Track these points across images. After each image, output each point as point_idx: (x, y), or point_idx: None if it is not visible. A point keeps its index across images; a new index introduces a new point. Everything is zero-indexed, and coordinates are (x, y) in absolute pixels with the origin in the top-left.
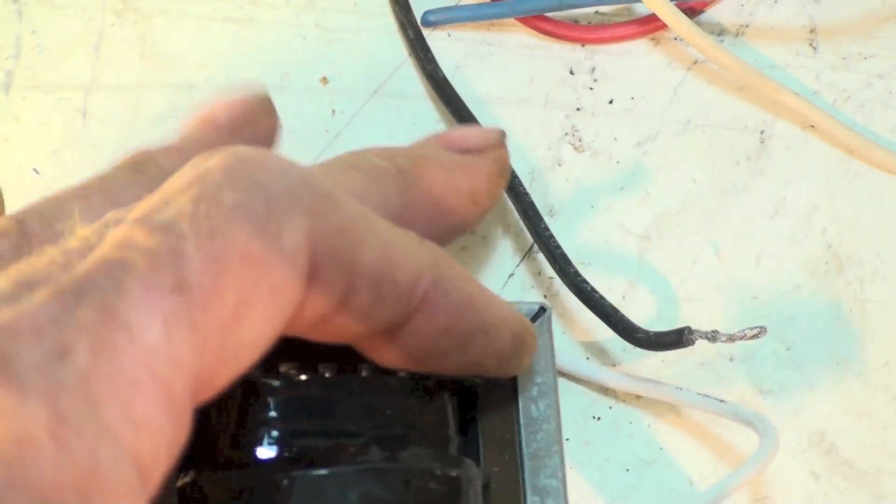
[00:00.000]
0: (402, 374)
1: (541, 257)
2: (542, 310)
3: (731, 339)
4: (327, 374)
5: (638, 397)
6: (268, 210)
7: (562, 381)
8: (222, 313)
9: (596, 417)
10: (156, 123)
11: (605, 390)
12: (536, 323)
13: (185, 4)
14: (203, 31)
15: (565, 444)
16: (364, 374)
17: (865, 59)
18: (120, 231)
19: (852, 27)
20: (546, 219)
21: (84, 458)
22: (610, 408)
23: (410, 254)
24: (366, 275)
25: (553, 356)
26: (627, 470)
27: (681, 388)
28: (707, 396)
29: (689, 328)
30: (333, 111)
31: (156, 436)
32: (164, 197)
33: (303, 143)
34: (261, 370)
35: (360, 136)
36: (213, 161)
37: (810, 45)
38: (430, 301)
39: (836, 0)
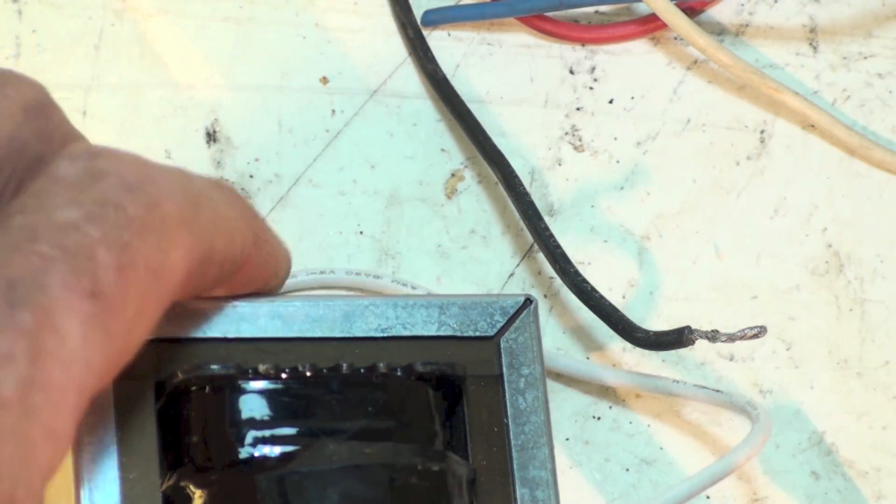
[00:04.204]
0: (384, 370)
1: (541, 257)
2: (528, 301)
3: (731, 339)
4: (307, 373)
5: (637, 396)
6: (164, 226)
7: (562, 382)
8: (126, 320)
9: (596, 417)
10: (156, 123)
11: (605, 390)
12: (522, 314)
13: (185, 4)
14: (203, 31)
15: (565, 443)
16: (345, 371)
17: (865, 58)
18: (26, 223)
19: (852, 27)
20: (546, 219)
21: (6, 485)
22: (610, 408)
23: (241, 228)
24: (218, 260)
25: (540, 348)
26: (627, 470)
27: (676, 381)
28: (702, 387)
29: (689, 328)
30: (333, 111)
31: (66, 448)
32: (62, 191)
33: (303, 143)
34: (240, 371)
35: (360, 136)
36: (102, 163)
37: (810, 44)
38: (250, 258)
39: (836, 0)
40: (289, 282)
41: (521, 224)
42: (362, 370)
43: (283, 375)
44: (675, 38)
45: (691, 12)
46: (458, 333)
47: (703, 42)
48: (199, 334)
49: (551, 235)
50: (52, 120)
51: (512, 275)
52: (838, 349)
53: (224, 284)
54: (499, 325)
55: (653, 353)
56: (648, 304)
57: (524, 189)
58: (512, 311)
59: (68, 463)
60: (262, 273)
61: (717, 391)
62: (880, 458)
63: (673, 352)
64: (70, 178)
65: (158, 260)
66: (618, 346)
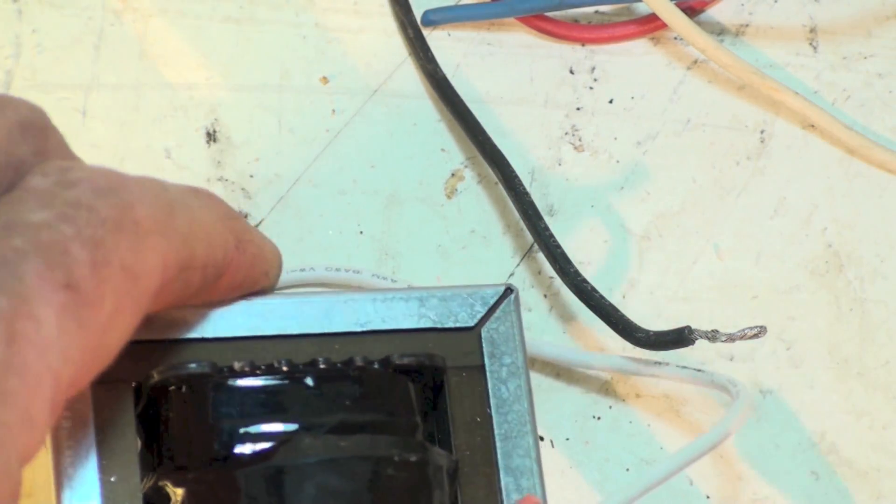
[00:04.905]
0: (360, 364)
1: (541, 257)
2: (509, 290)
3: (731, 338)
4: (284, 369)
5: (637, 396)
6: (137, 229)
7: (562, 382)
8: (102, 316)
9: (596, 417)
10: (156, 123)
11: (605, 390)
12: (503, 303)
13: (184, 4)
14: (203, 31)
15: (565, 443)
16: (321, 366)
17: (865, 58)
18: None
19: (852, 27)
20: (546, 218)
21: None
22: (610, 408)
23: (221, 232)
24: (199, 266)
25: (522, 337)
26: (627, 470)
27: (658, 363)
28: (685, 367)
29: (689, 328)
30: (333, 111)
31: (42, 436)
32: (34, 198)
33: (303, 143)
34: (216, 368)
35: (360, 136)
36: (74, 174)
37: (810, 44)
38: (234, 261)
39: (836, 0)
40: None
41: (521, 224)
42: (339, 364)
43: (259, 372)
44: (675, 38)
45: (691, 12)
46: (439, 325)
47: (703, 42)
48: (177, 335)
49: (551, 235)
50: (50, 141)
51: (512, 275)
52: (838, 349)
53: (210, 290)
54: (479, 316)
55: (653, 353)
56: (648, 304)
57: (524, 189)
58: (492, 301)
59: (49, 469)
60: (250, 275)
61: (699, 370)
62: (880, 458)
63: (673, 352)
64: (42, 188)
65: (133, 260)
66: (618, 345)
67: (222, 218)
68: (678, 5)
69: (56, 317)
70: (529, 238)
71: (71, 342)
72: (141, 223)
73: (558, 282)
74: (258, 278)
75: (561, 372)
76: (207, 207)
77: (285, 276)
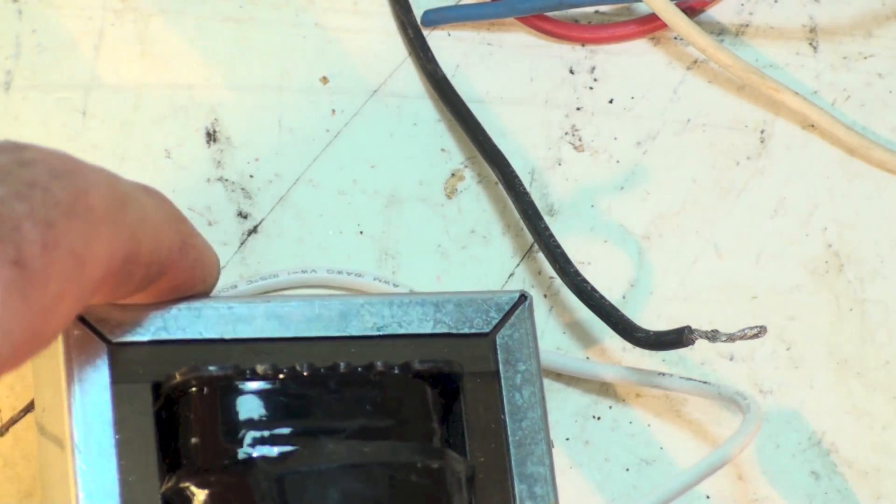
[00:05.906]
0: (381, 369)
1: (541, 257)
2: (523, 297)
3: (731, 338)
4: (305, 373)
5: (637, 396)
6: (89, 216)
7: (562, 381)
8: (47, 298)
9: (596, 417)
10: (156, 123)
11: (605, 390)
12: (517, 310)
13: (184, 4)
14: (203, 31)
15: (565, 443)
16: (342, 370)
17: (865, 58)
18: None
19: (852, 27)
20: (546, 218)
21: None
22: (610, 408)
23: (168, 232)
24: (144, 262)
25: (536, 344)
26: (627, 470)
27: (663, 374)
28: (690, 379)
29: (689, 328)
30: (333, 111)
31: None
32: None
33: (303, 143)
34: (238, 371)
35: (360, 136)
36: (30, 154)
37: (810, 44)
38: (176, 262)
39: (835, 0)
40: (271, 281)
41: (521, 224)
42: (360, 369)
43: (281, 376)
44: (675, 38)
45: (691, 12)
46: (454, 331)
47: (703, 42)
48: (197, 335)
49: (551, 235)
50: None
51: (512, 275)
52: (838, 349)
53: (150, 288)
54: (494, 322)
55: (653, 352)
56: (648, 304)
57: (524, 189)
58: (507, 308)
59: (68, 465)
60: (189, 278)
61: (704, 382)
62: (880, 458)
63: (673, 352)
64: None
65: (82, 246)
66: (618, 345)
67: (170, 219)
68: (678, 5)
69: (2, 291)
70: (529, 238)
71: (13, 319)
72: (94, 210)
73: (558, 282)
74: (196, 283)
75: (561, 372)
76: (157, 206)
77: (287, 278)
